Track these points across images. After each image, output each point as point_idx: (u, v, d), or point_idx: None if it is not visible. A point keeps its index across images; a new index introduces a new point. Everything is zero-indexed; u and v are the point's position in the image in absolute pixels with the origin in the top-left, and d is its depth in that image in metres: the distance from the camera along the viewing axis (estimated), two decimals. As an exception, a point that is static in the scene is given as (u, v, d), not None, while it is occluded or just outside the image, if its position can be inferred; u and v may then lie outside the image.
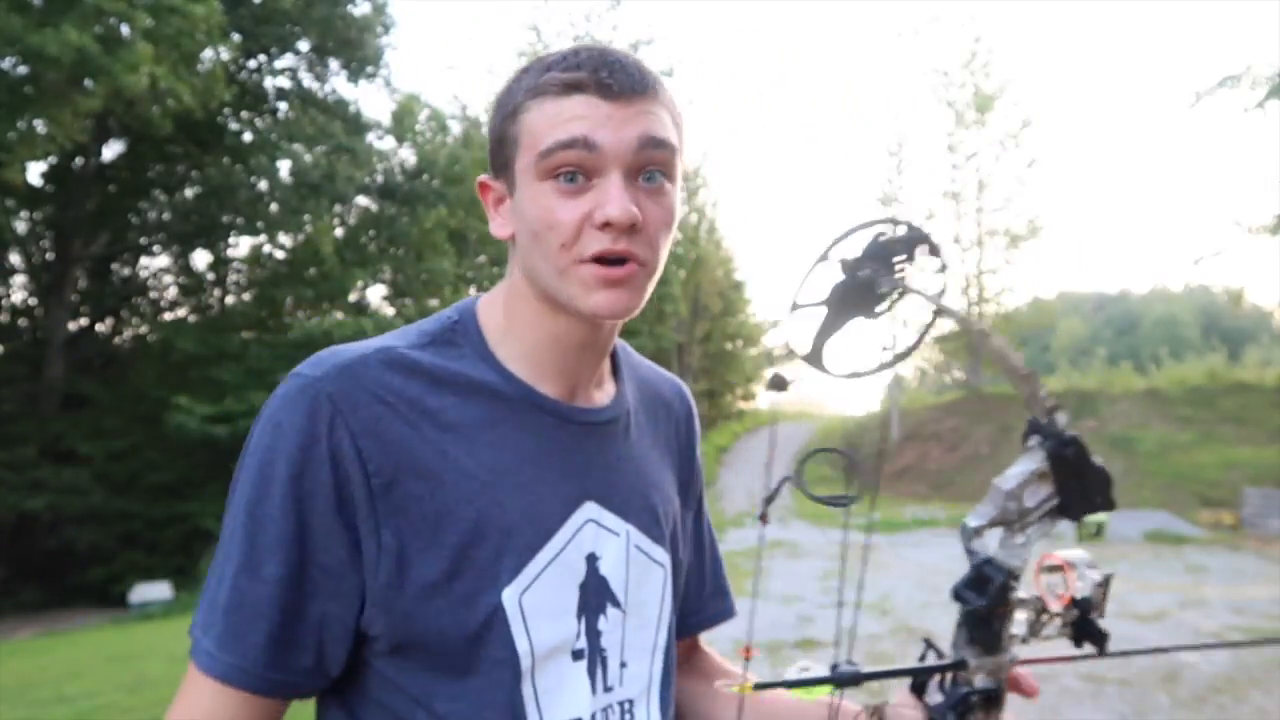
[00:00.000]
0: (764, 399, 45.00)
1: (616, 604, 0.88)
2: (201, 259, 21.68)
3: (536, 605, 0.81)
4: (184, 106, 15.27)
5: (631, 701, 0.90)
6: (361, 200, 21.39)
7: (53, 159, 17.53)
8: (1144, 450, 17.43)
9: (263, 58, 20.21)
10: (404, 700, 0.80)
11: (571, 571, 0.84)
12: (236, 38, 17.56)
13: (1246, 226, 18.41)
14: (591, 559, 0.86)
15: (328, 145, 19.48)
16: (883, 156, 30.34)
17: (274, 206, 19.29)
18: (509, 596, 0.79)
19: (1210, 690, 5.46)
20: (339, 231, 21.22)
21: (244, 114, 20.09)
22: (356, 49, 20.40)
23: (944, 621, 7.26)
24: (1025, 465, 0.72)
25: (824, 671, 0.73)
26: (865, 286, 0.73)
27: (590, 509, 0.87)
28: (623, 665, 0.89)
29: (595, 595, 0.86)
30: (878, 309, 0.74)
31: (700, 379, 34.98)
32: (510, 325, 0.87)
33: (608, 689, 0.87)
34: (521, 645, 0.80)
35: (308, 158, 18.94)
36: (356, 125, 20.98)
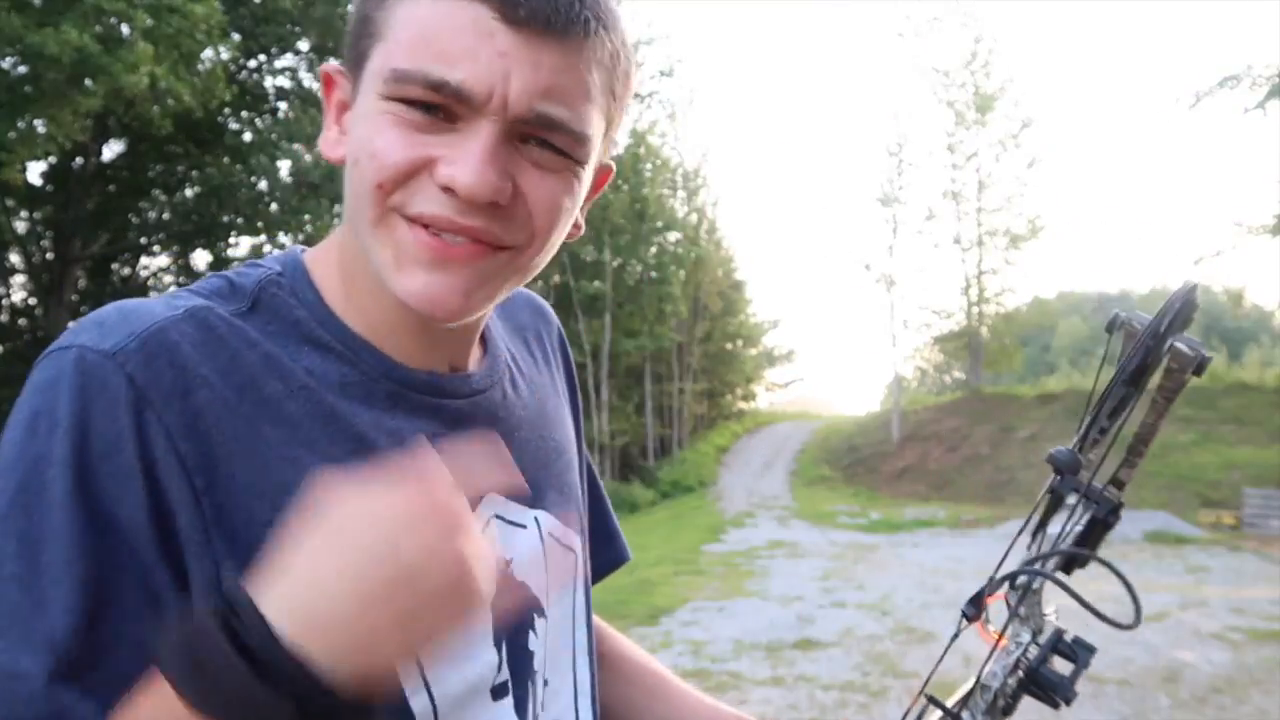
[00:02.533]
0: (764, 399, 45.02)
1: (541, 612, 0.71)
2: (202, 259, 21.68)
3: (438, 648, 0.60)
4: (184, 106, 15.24)
5: None
6: (361, 200, 21.41)
7: (52, 159, 17.54)
8: (1144, 450, 17.42)
9: (263, 57, 20.21)
10: None
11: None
12: (236, 37, 17.55)
13: (1247, 227, 18.44)
14: (502, 566, 0.68)
15: (328, 145, 19.49)
16: (883, 156, 30.31)
17: (274, 206, 19.28)
18: None
19: (1210, 691, 5.46)
20: (339, 231, 21.24)
21: (244, 114, 20.08)
22: (357, 49, 20.42)
23: (944, 621, 7.26)
24: (1070, 525, 0.74)
25: None
26: (1161, 357, 0.67)
27: (493, 502, 0.68)
28: (545, 684, 0.72)
29: (516, 610, 0.69)
30: (1151, 380, 0.68)
31: (700, 379, 34.98)
32: (350, 288, 0.64)
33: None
34: (419, 704, 0.60)
35: (308, 158, 18.90)
36: (357, 125, 21.01)
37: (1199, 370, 0.69)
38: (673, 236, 29.73)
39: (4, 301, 20.40)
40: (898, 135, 28.98)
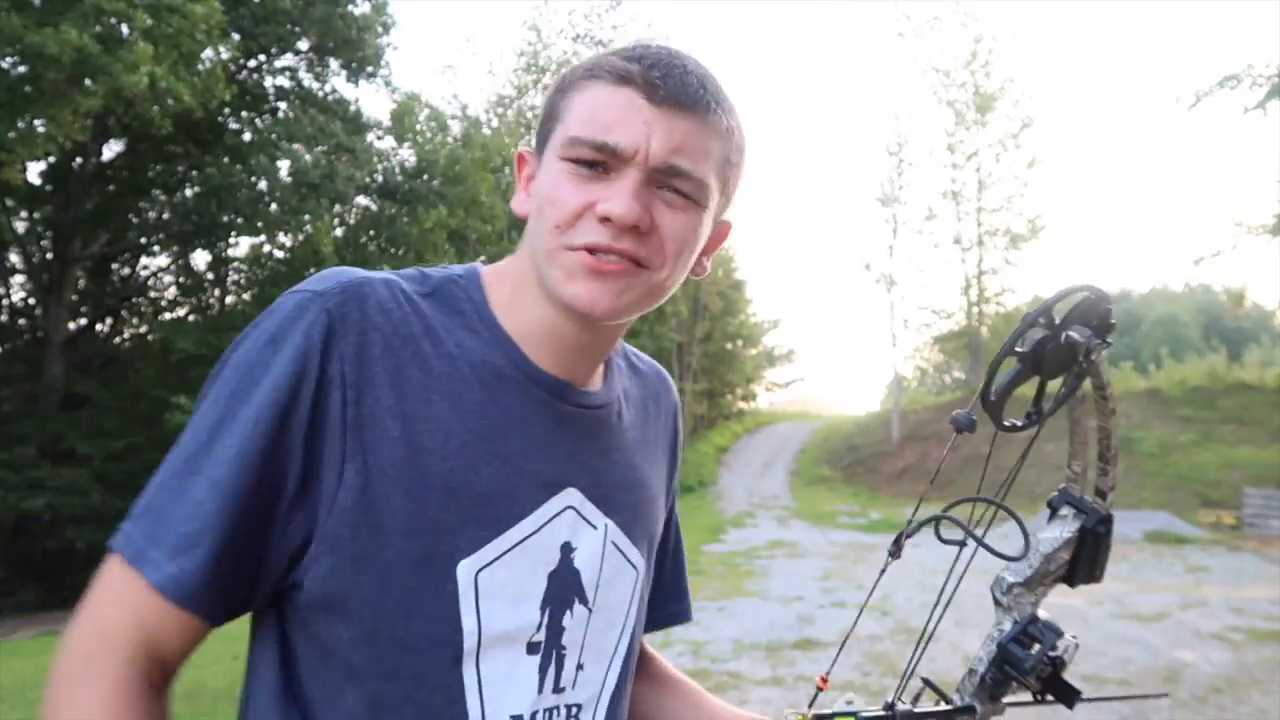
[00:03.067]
0: (764, 399, 45.04)
1: (585, 601, 0.83)
2: (201, 259, 21.70)
3: (495, 585, 0.76)
4: (184, 106, 15.25)
5: (579, 707, 0.84)
6: (361, 200, 21.38)
7: (52, 158, 17.51)
8: (1144, 451, 17.43)
9: (262, 57, 20.19)
10: (333, 674, 0.74)
11: (542, 558, 0.79)
12: (236, 37, 17.54)
13: (1246, 227, 18.43)
14: (566, 548, 0.81)
15: (328, 145, 19.47)
16: (883, 156, 30.29)
17: (274, 206, 19.27)
18: (464, 570, 0.74)
19: (1210, 691, 5.46)
20: (339, 231, 21.21)
21: (244, 114, 20.06)
22: (356, 49, 20.38)
23: (945, 621, 7.24)
24: (1059, 532, 0.81)
25: (873, 707, 0.80)
26: (1067, 348, 0.77)
27: (571, 496, 0.82)
28: (579, 668, 0.83)
29: (564, 588, 0.81)
30: (1072, 370, 0.77)
31: (700, 379, 34.98)
32: (513, 302, 0.83)
33: (558, 689, 0.81)
34: (468, 624, 0.75)
35: (308, 157, 18.92)
36: (356, 125, 20.97)
37: (1089, 357, 0.76)
38: (673, 236, 29.66)
39: (4, 301, 20.38)
40: (898, 135, 28.98)
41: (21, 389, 18.03)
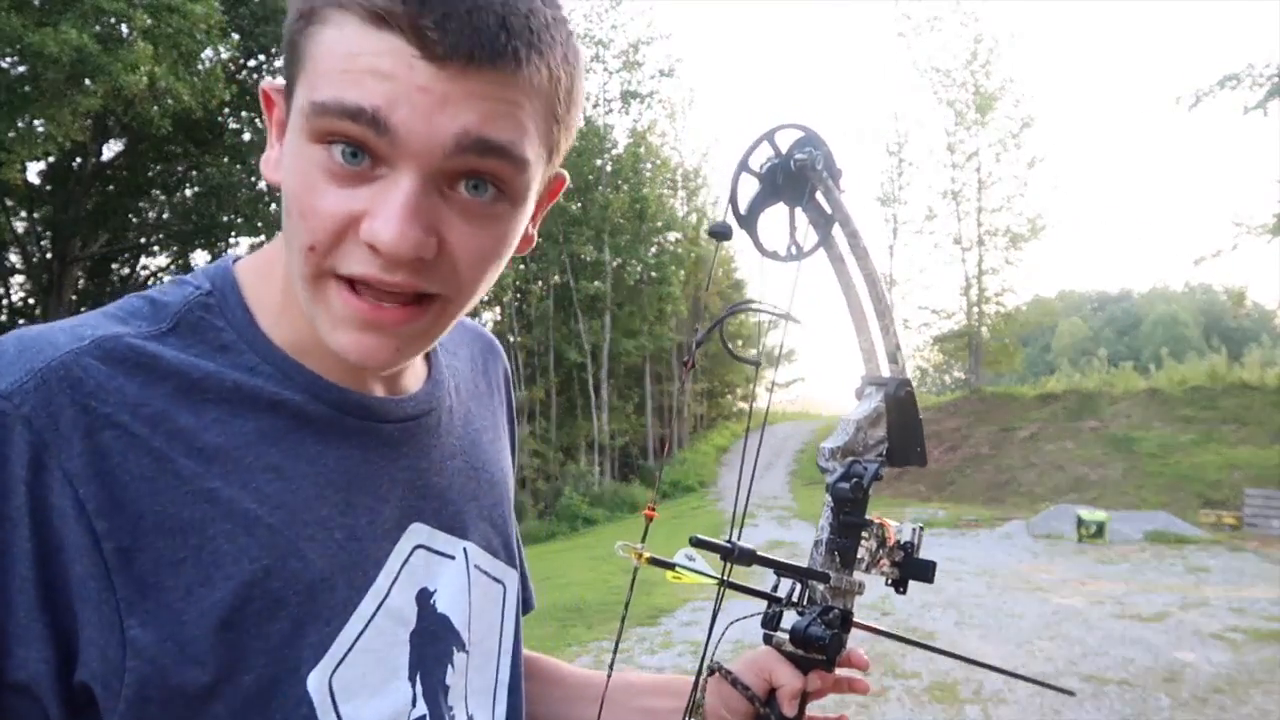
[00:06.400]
0: (763, 399, 45.04)
1: (461, 646, 0.69)
2: (201, 259, 21.70)
3: (353, 681, 0.60)
4: (183, 106, 15.23)
5: None
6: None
7: (52, 158, 17.53)
8: (1145, 451, 17.41)
9: (262, 57, 20.19)
10: None
11: (399, 622, 0.64)
12: (236, 37, 17.54)
13: (1246, 227, 18.44)
14: (424, 597, 0.66)
15: (327, 145, 19.50)
16: (883, 156, 30.30)
17: (274, 206, 19.28)
18: (316, 681, 0.58)
19: (1211, 691, 5.45)
20: (339, 231, 21.24)
21: (244, 114, 20.06)
22: (356, 48, 20.41)
23: (944, 621, 7.25)
24: (866, 405, 0.82)
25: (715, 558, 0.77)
26: (799, 172, 0.76)
27: (418, 532, 0.66)
28: (469, 719, 0.70)
29: (434, 643, 0.66)
30: (805, 195, 0.78)
31: (700, 379, 34.98)
32: (289, 303, 0.61)
33: None
34: None
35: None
36: (356, 125, 21.00)
37: (816, 170, 0.77)
38: (673, 236, 29.73)
39: (3, 301, 20.39)
40: (898, 135, 29.01)
41: (21, 389, 18.03)
